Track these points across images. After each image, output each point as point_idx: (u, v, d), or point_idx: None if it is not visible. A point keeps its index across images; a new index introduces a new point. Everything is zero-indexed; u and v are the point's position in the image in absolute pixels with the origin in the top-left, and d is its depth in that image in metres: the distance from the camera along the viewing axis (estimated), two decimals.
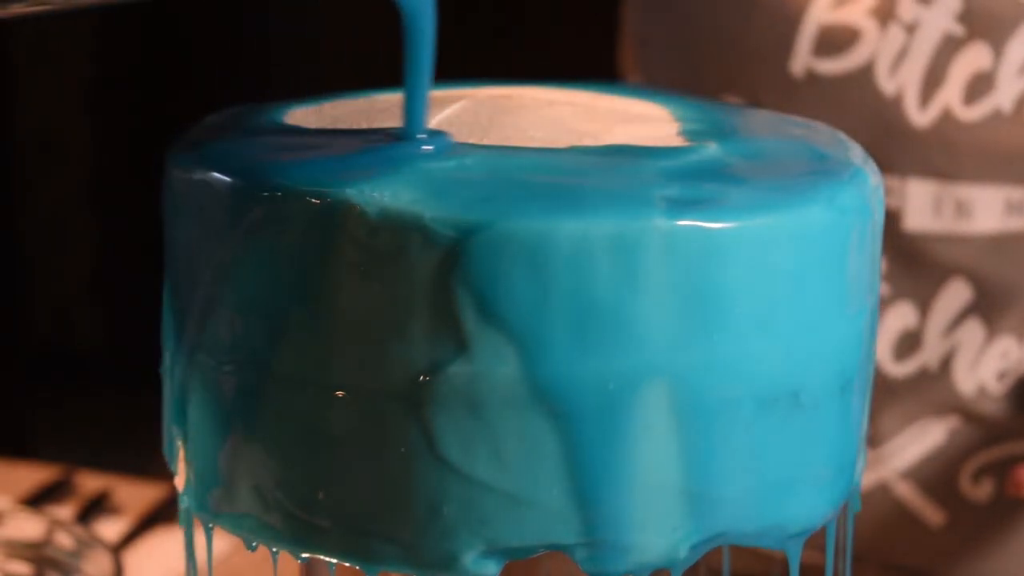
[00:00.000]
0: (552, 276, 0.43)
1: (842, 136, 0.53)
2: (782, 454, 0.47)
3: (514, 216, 0.43)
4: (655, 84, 0.86)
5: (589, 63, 0.97)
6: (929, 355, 0.82)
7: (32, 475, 0.99)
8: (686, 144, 0.49)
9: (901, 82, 0.78)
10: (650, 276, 0.44)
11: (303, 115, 0.53)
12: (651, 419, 0.45)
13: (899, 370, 0.82)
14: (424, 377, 0.44)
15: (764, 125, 0.54)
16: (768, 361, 0.46)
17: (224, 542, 0.49)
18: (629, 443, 0.45)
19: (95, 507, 0.93)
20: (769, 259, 0.45)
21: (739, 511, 0.47)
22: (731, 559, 0.58)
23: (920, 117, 0.78)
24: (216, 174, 0.47)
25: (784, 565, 0.49)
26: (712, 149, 0.49)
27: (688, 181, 0.46)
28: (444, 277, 0.44)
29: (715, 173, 0.47)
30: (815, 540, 0.50)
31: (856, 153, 0.51)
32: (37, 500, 0.94)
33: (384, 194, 0.44)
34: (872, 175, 0.50)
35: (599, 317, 0.44)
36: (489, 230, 0.43)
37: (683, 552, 0.46)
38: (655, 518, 0.46)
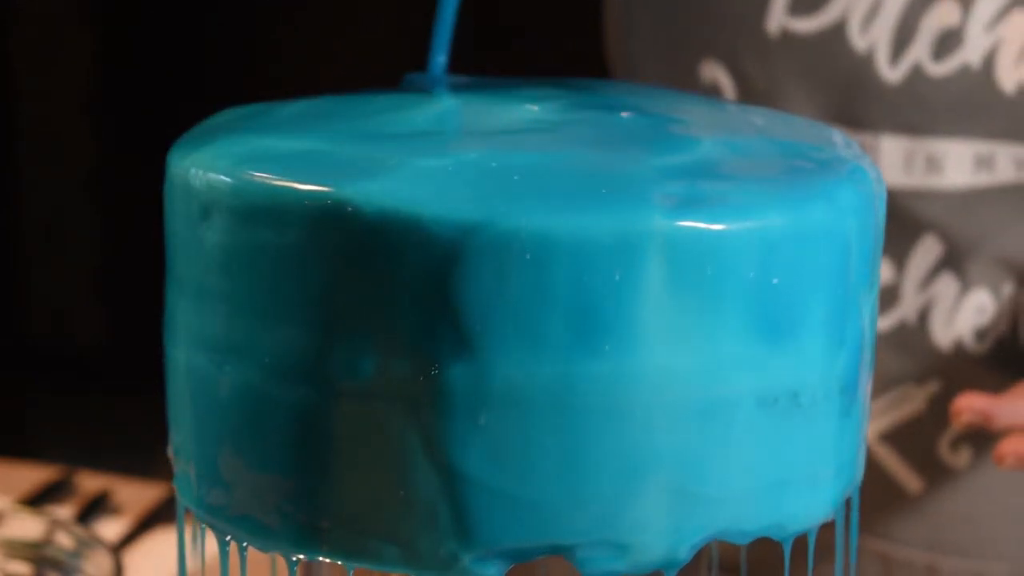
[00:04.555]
0: (552, 276, 0.43)
1: (843, 135, 0.53)
2: (782, 454, 0.47)
3: (514, 216, 0.43)
4: (636, 60, 0.87)
5: (578, 54, 0.97)
6: (907, 309, 0.83)
7: (32, 475, 0.99)
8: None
9: (872, 39, 0.79)
10: (650, 276, 0.44)
11: (303, 113, 0.53)
12: (651, 419, 0.45)
13: (879, 324, 0.83)
14: (424, 377, 0.44)
15: (764, 124, 0.54)
16: (768, 361, 0.46)
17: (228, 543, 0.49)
18: (629, 443, 0.45)
19: (95, 507, 0.93)
20: (769, 259, 0.45)
21: (739, 511, 0.47)
22: (735, 550, 0.58)
23: (891, 73, 0.79)
24: (217, 174, 0.47)
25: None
26: (712, 149, 0.49)
27: (688, 181, 0.46)
28: (444, 277, 0.44)
29: (715, 173, 0.47)
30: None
31: (856, 152, 0.51)
32: (37, 500, 0.94)
33: (384, 194, 0.44)
34: (872, 173, 0.50)
35: (599, 317, 0.44)
36: (489, 230, 0.43)
37: (683, 552, 0.46)
38: (655, 518, 0.46)
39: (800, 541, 0.49)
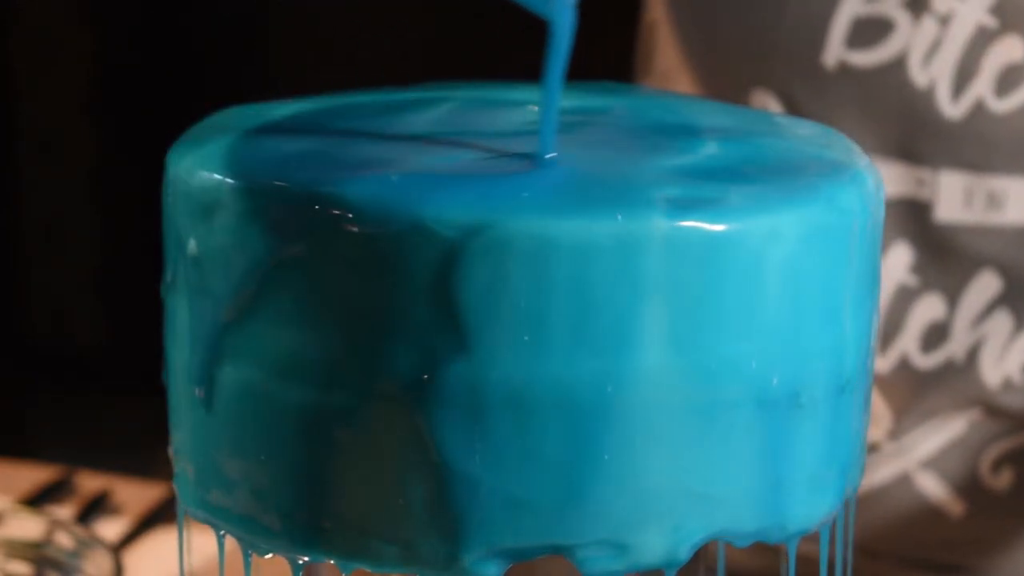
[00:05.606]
0: (552, 276, 0.43)
1: (842, 137, 0.53)
2: (782, 454, 0.47)
3: (514, 216, 0.43)
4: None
5: (603, 62, 0.97)
6: (956, 347, 0.82)
7: (32, 475, 0.99)
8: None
9: (934, 74, 0.79)
10: (650, 276, 0.44)
11: (303, 113, 0.53)
12: (651, 419, 0.45)
13: (926, 362, 0.82)
14: (424, 377, 0.44)
15: (765, 125, 0.54)
16: (768, 361, 0.46)
17: (224, 542, 0.49)
18: (629, 443, 0.45)
19: (95, 507, 0.93)
20: (769, 260, 0.45)
21: (739, 511, 0.47)
22: (735, 555, 0.58)
23: (952, 109, 0.79)
24: (215, 174, 0.47)
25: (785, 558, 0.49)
26: (713, 150, 0.49)
27: (689, 182, 0.46)
28: (444, 277, 0.44)
29: (716, 174, 0.47)
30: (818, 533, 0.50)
31: (857, 154, 0.51)
32: (37, 500, 0.94)
33: (384, 194, 0.44)
34: (872, 176, 0.50)
35: (599, 317, 0.44)
36: (489, 230, 0.43)
37: (683, 552, 0.46)
38: (655, 518, 0.46)
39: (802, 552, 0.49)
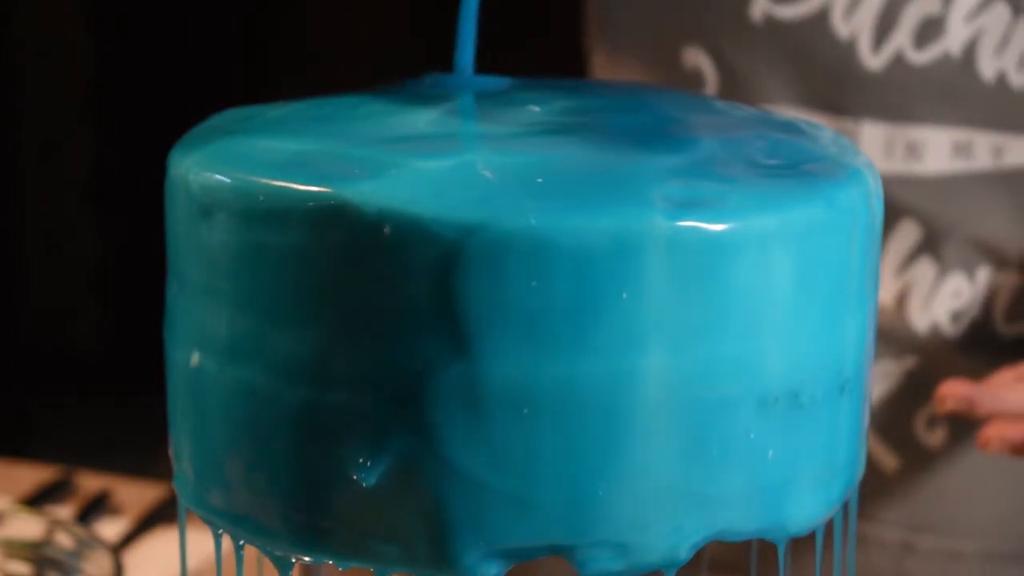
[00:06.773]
0: (551, 277, 0.43)
1: (841, 137, 0.53)
2: (782, 454, 0.47)
3: (514, 216, 0.43)
4: (617, 47, 0.87)
5: (556, 43, 0.97)
6: (884, 294, 0.84)
7: (32, 475, 0.99)
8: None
9: (855, 26, 0.81)
10: (650, 276, 0.44)
11: (302, 115, 0.53)
12: (651, 419, 0.45)
13: None
14: (424, 377, 0.44)
15: (764, 125, 0.54)
16: (768, 361, 0.46)
17: (224, 542, 0.49)
18: (629, 443, 0.45)
19: (95, 507, 0.93)
20: (769, 260, 0.45)
21: (739, 511, 0.47)
22: (732, 552, 0.58)
23: (873, 60, 0.81)
24: (217, 175, 0.47)
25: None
26: (712, 150, 0.49)
27: (688, 181, 0.46)
28: (444, 277, 0.44)
29: (715, 174, 0.47)
30: None
31: (856, 154, 0.51)
32: (37, 500, 0.94)
33: (384, 194, 0.44)
34: (870, 175, 0.50)
35: (599, 317, 0.44)
36: (489, 230, 0.43)
37: (683, 552, 0.46)
38: (655, 518, 0.46)
39: (801, 539, 0.49)
